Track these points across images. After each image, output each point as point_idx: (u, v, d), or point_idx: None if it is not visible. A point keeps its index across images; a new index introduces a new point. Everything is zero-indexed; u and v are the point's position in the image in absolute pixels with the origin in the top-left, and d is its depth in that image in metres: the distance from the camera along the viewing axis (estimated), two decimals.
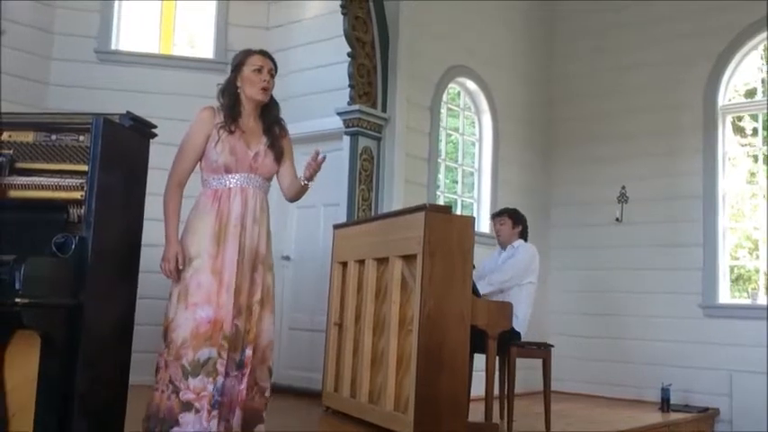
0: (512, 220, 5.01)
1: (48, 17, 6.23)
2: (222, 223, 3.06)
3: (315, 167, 3.10)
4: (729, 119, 6.73)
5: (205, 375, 2.92)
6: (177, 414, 2.91)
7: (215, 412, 2.92)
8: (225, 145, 3.09)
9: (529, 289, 4.80)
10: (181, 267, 3.02)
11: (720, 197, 6.53)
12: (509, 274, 4.75)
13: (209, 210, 3.08)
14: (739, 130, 6.87)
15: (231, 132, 3.11)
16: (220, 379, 2.94)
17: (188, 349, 2.94)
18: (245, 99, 3.19)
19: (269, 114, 3.25)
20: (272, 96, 3.25)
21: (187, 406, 2.91)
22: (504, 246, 5.05)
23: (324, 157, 3.10)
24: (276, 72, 3.26)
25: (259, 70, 3.17)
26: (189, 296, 3.00)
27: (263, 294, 3.12)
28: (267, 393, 3.16)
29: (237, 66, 3.21)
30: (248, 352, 3.04)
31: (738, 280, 6.67)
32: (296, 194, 3.28)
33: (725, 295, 6.46)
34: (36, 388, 2.78)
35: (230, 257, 3.03)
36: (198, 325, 2.96)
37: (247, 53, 3.23)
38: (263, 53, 3.24)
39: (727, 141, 6.67)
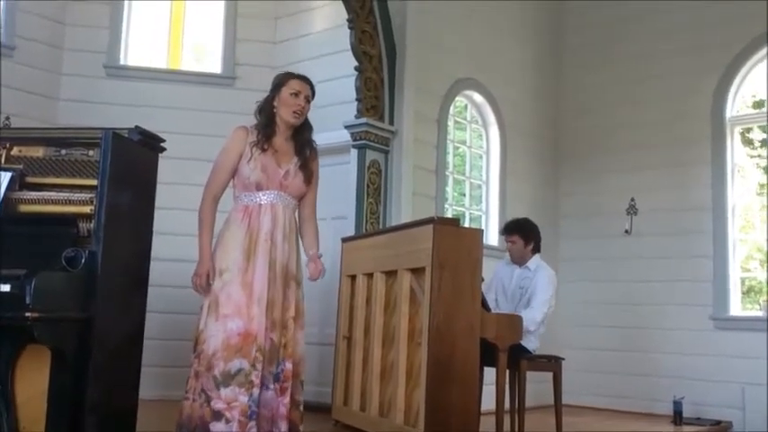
0: (523, 240, 4.82)
1: (58, 34, 6.29)
2: (252, 238, 3.14)
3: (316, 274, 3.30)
4: (738, 130, 6.71)
5: (237, 386, 2.98)
6: (208, 423, 2.97)
7: (252, 423, 2.98)
8: (257, 163, 3.19)
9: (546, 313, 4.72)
10: (211, 282, 3.10)
11: (730, 209, 6.50)
12: (541, 313, 4.59)
13: (240, 225, 3.16)
14: (748, 142, 6.85)
15: (264, 150, 3.22)
16: (256, 390, 3.01)
17: (219, 360, 3.00)
18: (280, 119, 3.29)
19: (301, 136, 3.34)
20: (306, 119, 3.35)
21: (218, 415, 2.97)
22: (517, 264, 4.87)
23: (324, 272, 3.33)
24: (313, 98, 3.35)
25: (296, 94, 3.27)
26: (219, 308, 3.07)
27: (296, 310, 3.21)
28: (301, 407, 3.24)
29: (277, 86, 3.32)
30: (288, 365, 3.13)
31: (750, 292, 6.62)
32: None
33: (736, 307, 6.41)
34: (47, 401, 2.78)
35: (260, 272, 3.10)
36: (228, 336, 3.02)
37: (288, 76, 3.34)
38: (303, 78, 3.34)
39: (736, 153, 6.65)
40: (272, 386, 3.08)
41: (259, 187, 3.19)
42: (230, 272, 3.09)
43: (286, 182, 3.23)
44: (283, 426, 3.09)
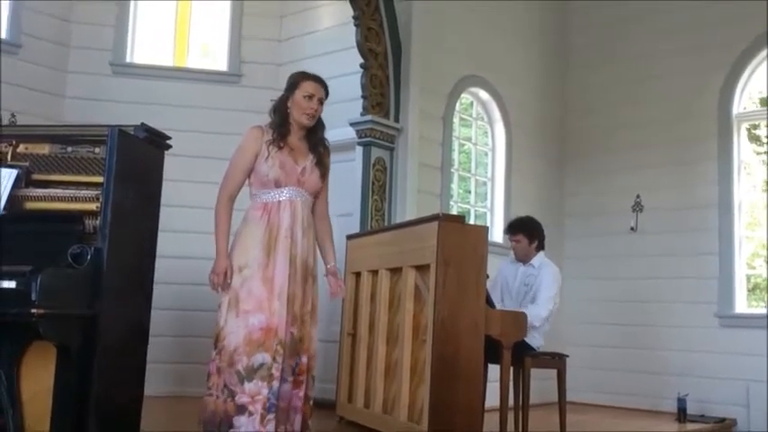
0: (527, 238, 4.82)
1: (64, 31, 6.31)
2: (272, 234, 3.16)
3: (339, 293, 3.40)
4: (745, 127, 6.69)
5: (259, 380, 3.02)
6: (232, 417, 3.01)
7: (270, 416, 3.02)
8: (275, 160, 3.21)
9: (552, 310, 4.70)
10: (229, 282, 3.12)
11: (736, 206, 6.49)
12: (547, 310, 4.57)
13: (259, 221, 3.18)
14: (755, 139, 6.83)
15: (280, 148, 3.24)
16: (276, 383, 3.04)
17: (242, 355, 3.04)
18: (293, 120, 3.30)
19: (314, 135, 3.37)
20: (319, 118, 3.36)
21: (241, 409, 3.01)
22: (521, 262, 4.87)
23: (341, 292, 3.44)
24: (327, 97, 3.36)
25: (310, 97, 3.27)
26: (240, 304, 3.10)
27: (312, 305, 3.25)
28: (311, 402, 3.28)
29: (290, 87, 3.32)
30: (304, 360, 3.18)
31: (755, 289, 6.61)
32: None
33: (741, 305, 6.40)
34: (52, 398, 2.79)
35: (281, 267, 3.13)
36: (250, 332, 3.06)
37: (303, 77, 3.34)
38: (318, 80, 3.34)
39: (743, 150, 6.63)
40: (289, 379, 3.12)
41: (278, 184, 3.21)
42: (250, 268, 3.11)
43: (303, 178, 3.26)
44: (297, 419, 3.14)
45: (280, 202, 3.20)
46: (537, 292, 4.68)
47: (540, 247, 4.88)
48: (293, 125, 3.30)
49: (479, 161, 6.92)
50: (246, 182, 3.31)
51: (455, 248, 3.87)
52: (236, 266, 3.13)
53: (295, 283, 3.15)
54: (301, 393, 3.15)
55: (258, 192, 3.25)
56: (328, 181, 3.45)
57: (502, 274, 4.99)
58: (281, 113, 3.30)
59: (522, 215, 5.13)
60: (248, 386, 3.01)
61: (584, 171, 7.39)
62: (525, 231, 4.85)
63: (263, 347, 3.04)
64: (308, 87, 3.28)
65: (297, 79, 3.32)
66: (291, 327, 3.12)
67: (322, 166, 3.33)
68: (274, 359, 3.04)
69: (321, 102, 3.32)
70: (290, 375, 3.12)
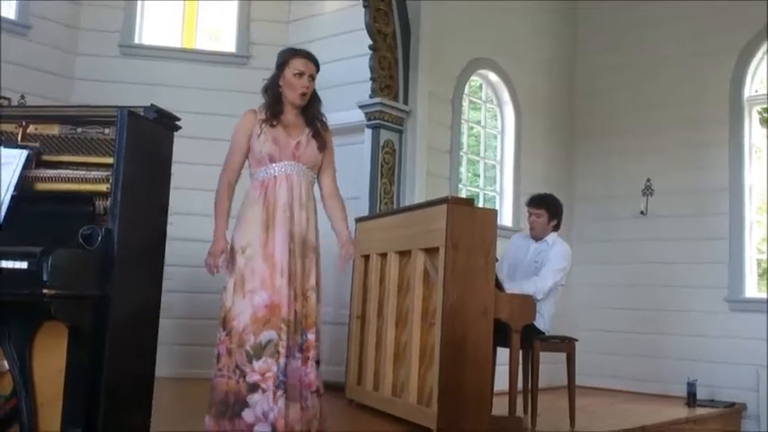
0: (549, 214, 4.79)
1: (73, 13, 6.29)
2: (270, 211, 3.16)
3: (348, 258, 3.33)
4: (756, 110, 6.64)
5: (268, 357, 3.04)
6: (245, 396, 3.03)
7: (280, 392, 3.02)
8: (267, 136, 3.20)
9: (557, 290, 4.68)
10: (221, 264, 3.13)
11: (747, 190, 6.46)
12: (551, 281, 4.55)
13: (257, 199, 3.18)
14: (766, 122, 6.77)
15: (273, 126, 3.22)
16: (282, 360, 3.05)
17: (249, 334, 3.05)
18: (286, 99, 3.27)
19: (310, 109, 3.33)
20: (314, 92, 3.33)
21: (254, 387, 3.02)
22: (536, 238, 4.84)
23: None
24: (318, 71, 3.32)
25: (300, 75, 3.24)
26: (245, 284, 3.11)
27: (317, 282, 3.24)
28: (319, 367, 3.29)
29: (280, 66, 3.29)
30: (311, 336, 3.17)
31: (765, 274, 6.58)
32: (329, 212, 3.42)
33: (751, 289, 6.39)
34: (64, 379, 2.80)
35: (280, 243, 3.12)
36: (256, 310, 3.07)
37: (292, 54, 3.30)
38: (307, 56, 3.30)
39: (754, 133, 6.59)
40: (297, 356, 3.12)
41: (272, 159, 3.19)
42: (252, 247, 3.12)
43: (298, 152, 3.23)
44: (312, 395, 3.15)
45: (275, 177, 3.18)
46: (543, 265, 4.65)
47: (557, 227, 4.86)
48: (286, 104, 3.27)
49: (488, 144, 6.89)
50: (246, 164, 3.30)
51: (464, 231, 3.87)
52: (239, 248, 3.14)
53: (294, 258, 3.14)
54: (308, 369, 3.14)
55: (256, 171, 3.24)
56: (333, 158, 3.41)
57: (513, 246, 4.96)
58: (272, 93, 3.28)
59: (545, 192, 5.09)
60: (257, 364, 3.02)
61: (594, 155, 7.36)
62: (548, 207, 4.83)
63: (269, 324, 3.05)
64: (297, 65, 3.25)
65: (286, 57, 3.29)
66: (294, 303, 3.12)
67: (320, 138, 3.29)
68: (279, 336, 3.05)
69: (312, 78, 3.28)
70: (297, 352, 3.11)
